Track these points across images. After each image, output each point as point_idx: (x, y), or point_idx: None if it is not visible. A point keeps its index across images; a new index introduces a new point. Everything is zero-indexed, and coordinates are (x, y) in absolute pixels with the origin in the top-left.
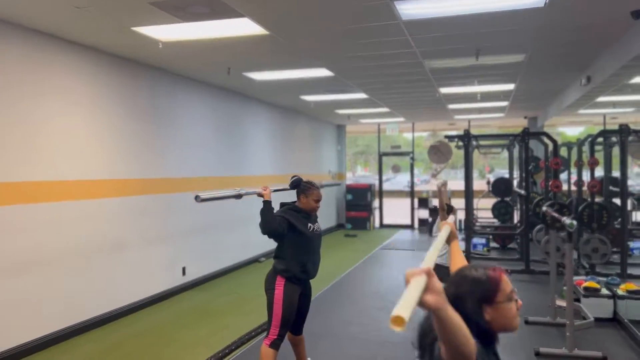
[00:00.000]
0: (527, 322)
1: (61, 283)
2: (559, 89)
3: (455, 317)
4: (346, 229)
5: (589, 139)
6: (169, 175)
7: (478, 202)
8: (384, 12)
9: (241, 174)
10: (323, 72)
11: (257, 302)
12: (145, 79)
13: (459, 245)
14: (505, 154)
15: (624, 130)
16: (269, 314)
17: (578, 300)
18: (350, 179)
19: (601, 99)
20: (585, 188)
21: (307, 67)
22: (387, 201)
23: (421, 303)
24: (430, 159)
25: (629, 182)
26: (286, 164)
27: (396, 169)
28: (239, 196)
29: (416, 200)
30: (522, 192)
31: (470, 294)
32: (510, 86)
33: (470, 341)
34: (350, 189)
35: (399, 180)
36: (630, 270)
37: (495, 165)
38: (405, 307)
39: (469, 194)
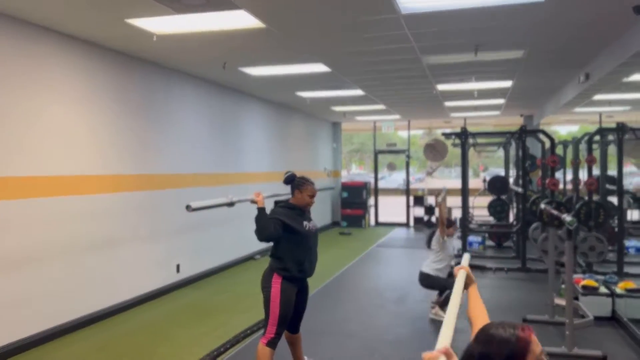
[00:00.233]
0: (525, 321)
1: (52, 280)
2: (556, 86)
3: None
4: (341, 227)
5: (587, 137)
6: (163, 171)
7: (474, 200)
8: (383, 5)
9: (236, 170)
10: (320, 68)
11: (253, 300)
12: (139, 74)
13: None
14: (500, 152)
15: (621, 129)
16: (266, 313)
17: (576, 298)
18: (345, 177)
19: (598, 97)
20: (581, 186)
21: (303, 62)
22: (382, 199)
23: None
24: (425, 157)
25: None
26: (281, 161)
27: (392, 167)
28: (231, 204)
29: (412, 198)
30: (519, 189)
31: (497, 355)
32: (508, 83)
33: None
34: (345, 187)
35: (395, 179)
36: (626, 269)
37: (489, 164)
38: None
39: (465, 192)
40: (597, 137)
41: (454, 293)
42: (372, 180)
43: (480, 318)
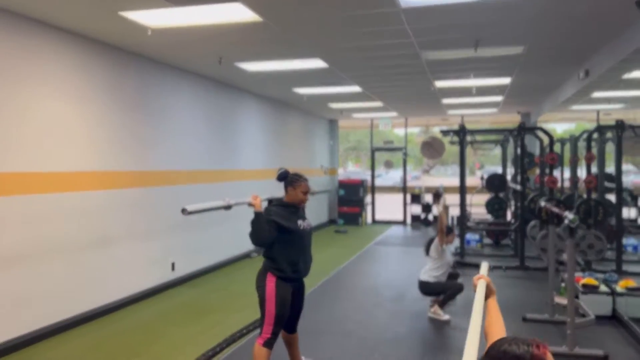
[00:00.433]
0: (524, 320)
1: (46, 279)
2: (555, 83)
3: None
4: (338, 225)
5: (586, 134)
6: (158, 167)
7: (472, 198)
8: None
9: (232, 167)
10: (317, 63)
11: (249, 299)
12: (134, 68)
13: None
14: (496, 150)
15: (620, 126)
16: (262, 313)
17: (576, 297)
18: (341, 174)
19: (596, 94)
20: (580, 184)
21: (301, 58)
22: (379, 197)
23: None
24: (422, 154)
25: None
26: (278, 158)
27: (389, 165)
28: (228, 207)
29: (409, 196)
30: (518, 187)
31: None
32: (507, 80)
33: None
34: (342, 185)
35: (391, 176)
36: (624, 267)
37: (486, 162)
38: None
39: (463, 189)
40: (595, 135)
41: (475, 305)
42: (369, 178)
43: (499, 335)
